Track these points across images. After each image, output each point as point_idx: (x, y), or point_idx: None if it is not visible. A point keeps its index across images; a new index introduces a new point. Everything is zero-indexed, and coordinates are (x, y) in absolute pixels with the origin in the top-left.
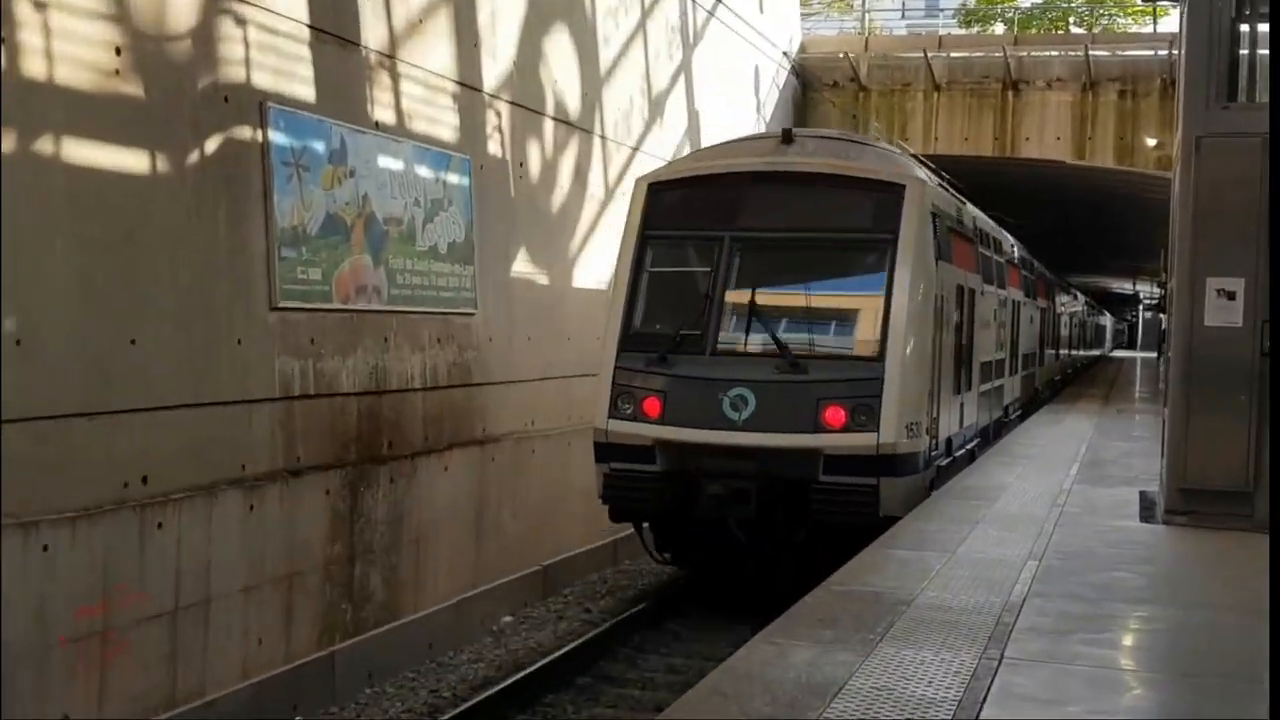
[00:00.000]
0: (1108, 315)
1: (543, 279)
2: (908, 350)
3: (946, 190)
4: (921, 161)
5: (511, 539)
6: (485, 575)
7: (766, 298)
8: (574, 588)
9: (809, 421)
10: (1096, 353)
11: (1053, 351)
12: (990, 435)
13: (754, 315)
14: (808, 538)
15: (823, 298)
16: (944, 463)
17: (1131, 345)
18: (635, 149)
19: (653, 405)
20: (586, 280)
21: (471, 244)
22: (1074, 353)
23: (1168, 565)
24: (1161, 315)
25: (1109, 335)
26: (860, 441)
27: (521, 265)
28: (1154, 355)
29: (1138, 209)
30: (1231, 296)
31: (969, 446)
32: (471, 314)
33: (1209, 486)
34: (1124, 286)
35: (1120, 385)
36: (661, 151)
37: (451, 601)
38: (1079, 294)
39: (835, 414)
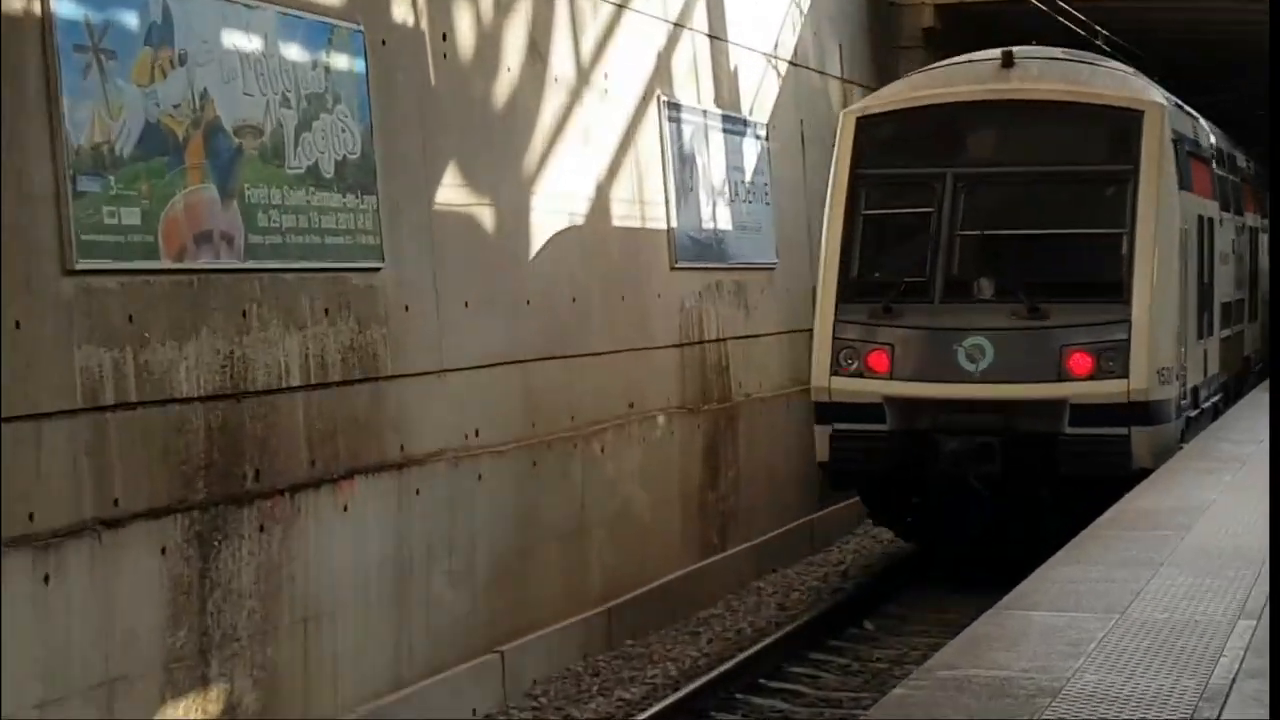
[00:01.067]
0: None
1: (486, 214)
2: (1155, 290)
3: (1183, 110)
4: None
5: (452, 614)
6: (412, 670)
7: (997, 239)
8: (549, 685)
9: (1052, 370)
10: None
11: (1249, 300)
12: (1231, 393)
13: (985, 259)
14: (1052, 497)
15: (1059, 236)
16: (1193, 414)
17: None
18: (620, 5)
19: (879, 359)
20: (554, 213)
21: (372, 163)
22: None
23: None
24: None
25: None
26: (1109, 389)
27: (452, 193)
28: None
29: None
30: None
31: (1214, 400)
32: (376, 269)
33: None
34: None
35: None
36: (662, 10)
37: (360, 715)
38: None
39: (1081, 361)
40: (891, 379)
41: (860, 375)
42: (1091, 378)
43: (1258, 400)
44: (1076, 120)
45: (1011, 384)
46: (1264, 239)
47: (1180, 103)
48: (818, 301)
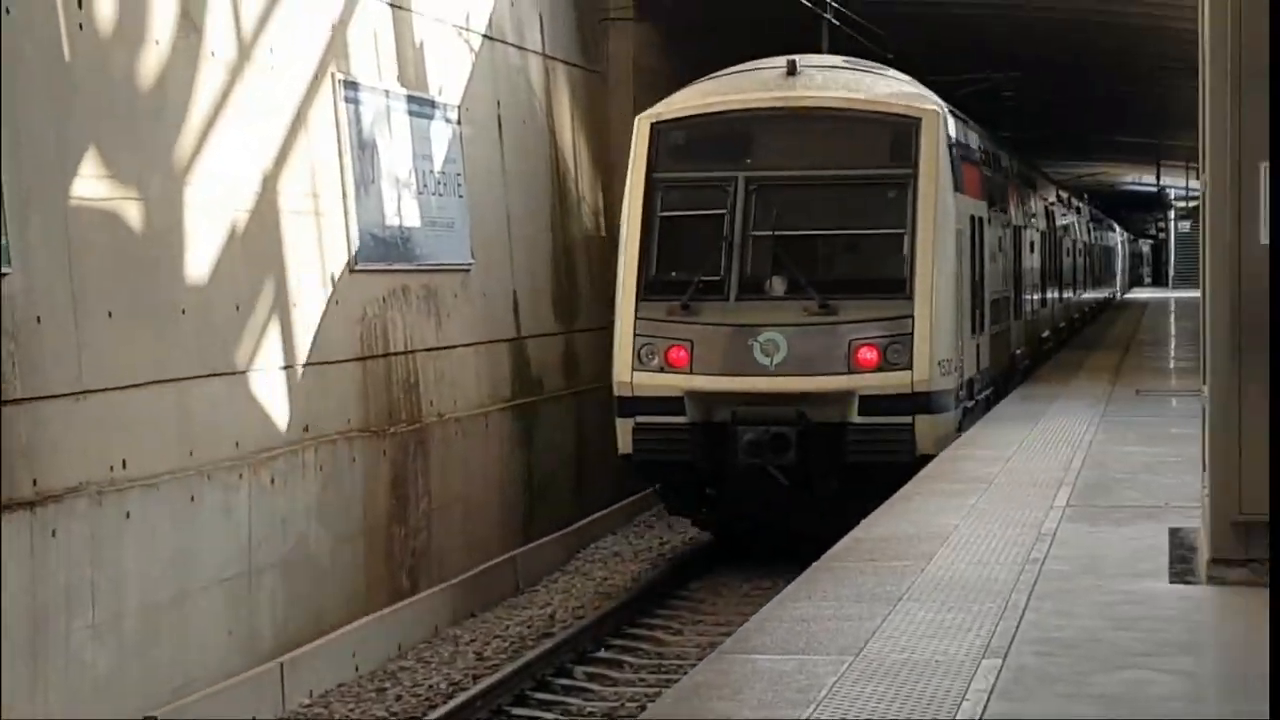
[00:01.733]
0: (1118, 232)
1: (132, 209)
2: (936, 286)
3: (955, 115)
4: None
5: (95, 673)
6: None
7: (788, 239)
8: None
9: (842, 363)
10: (1103, 294)
11: (1037, 296)
12: (1000, 389)
13: (777, 258)
14: (841, 486)
15: (846, 237)
16: (969, 404)
17: (1159, 279)
18: None
19: (679, 355)
20: (212, 208)
21: None
22: (1069, 296)
23: (1220, 656)
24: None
25: (1122, 264)
26: (894, 380)
27: (92, 185)
28: (1196, 295)
29: (1159, 49)
30: None
31: (986, 393)
32: (1, 275)
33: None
34: (1144, 181)
35: (1141, 349)
36: None
37: None
38: (1074, 200)
39: (868, 354)
40: (691, 373)
41: (661, 370)
42: (878, 370)
43: (1017, 404)
44: (859, 127)
45: (804, 376)
46: (1026, 236)
47: (953, 108)
48: (618, 299)
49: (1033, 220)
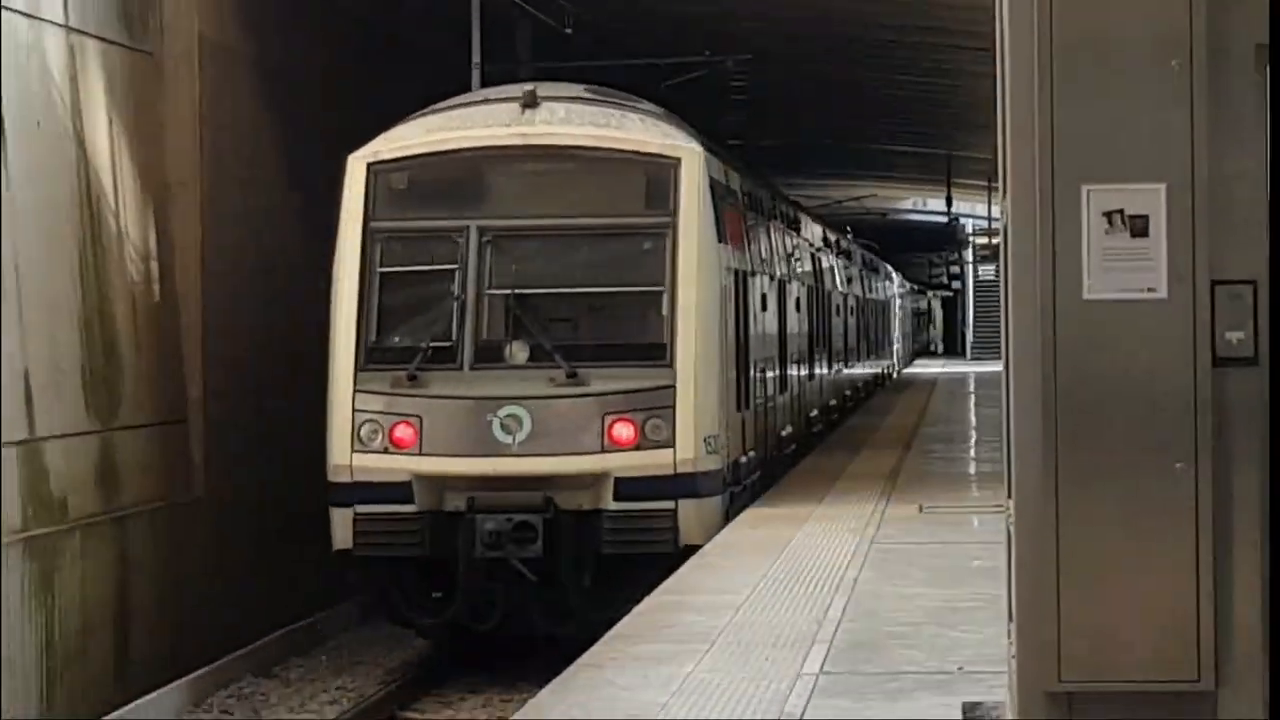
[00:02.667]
0: (894, 281)
1: None
2: (699, 351)
3: (716, 154)
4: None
5: None
6: None
7: (530, 298)
8: None
9: (595, 440)
10: (872, 370)
11: (804, 366)
12: (766, 477)
13: (518, 320)
14: (595, 579)
15: (596, 295)
16: (736, 489)
17: (954, 346)
18: None
19: (406, 433)
20: None
21: None
22: (837, 369)
23: None
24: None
25: (900, 326)
26: (654, 460)
27: None
28: (1000, 369)
29: (946, 25)
30: (1141, 228)
31: (752, 479)
32: None
33: (1109, 681)
34: (930, 208)
35: (927, 448)
36: None
37: None
38: (843, 242)
39: (625, 430)
40: (420, 454)
41: (385, 451)
42: (637, 448)
43: (757, 524)
44: (608, 168)
45: (552, 456)
46: (791, 292)
47: (714, 146)
48: (331, 369)
49: (798, 271)
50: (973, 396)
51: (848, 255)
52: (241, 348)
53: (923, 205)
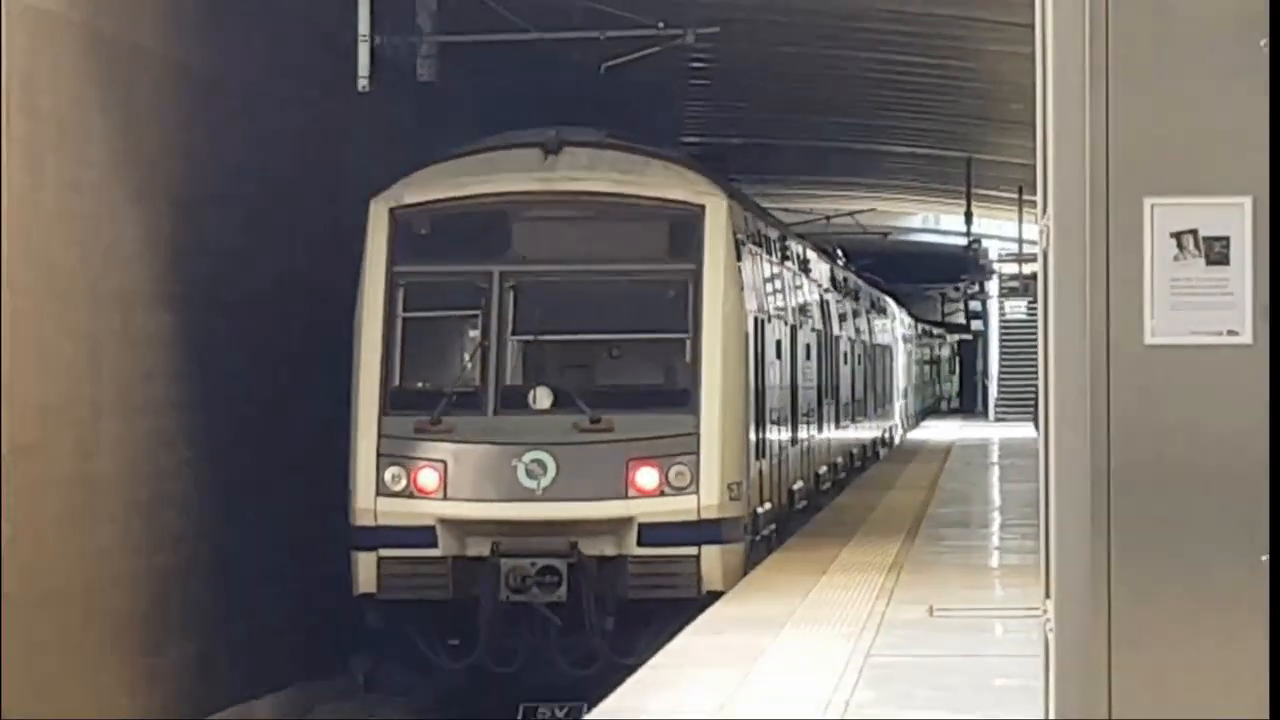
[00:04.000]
0: (897, 320)
1: None
2: (724, 397)
3: (739, 201)
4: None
5: None
6: None
7: (554, 344)
8: None
9: (619, 486)
10: (869, 434)
11: (814, 419)
12: (781, 530)
13: (542, 365)
14: (618, 624)
15: (620, 342)
16: (755, 538)
17: (973, 403)
18: None
19: (430, 478)
20: None
21: None
22: (832, 430)
23: None
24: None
25: (905, 378)
26: (679, 506)
27: None
28: (1034, 435)
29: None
30: (1219, 254)
31: (770, 531)
32: None
33: None
34: (944, 227)
35: (938, 531)
36: None
37: None
38: (850, 279)
39: (649, 475)
40: (445, 499)
41: (410, 495)
42: (661, 494)
43: (722, 629)
44: (634, 216)
45: (576, 502)
46: (802, 339)
47: (736, 191)
48: (356, 414)
49: (807, 315)
50: (996, 468)
51: (855, 294)
52: (58, 393)
53: (935, 223)
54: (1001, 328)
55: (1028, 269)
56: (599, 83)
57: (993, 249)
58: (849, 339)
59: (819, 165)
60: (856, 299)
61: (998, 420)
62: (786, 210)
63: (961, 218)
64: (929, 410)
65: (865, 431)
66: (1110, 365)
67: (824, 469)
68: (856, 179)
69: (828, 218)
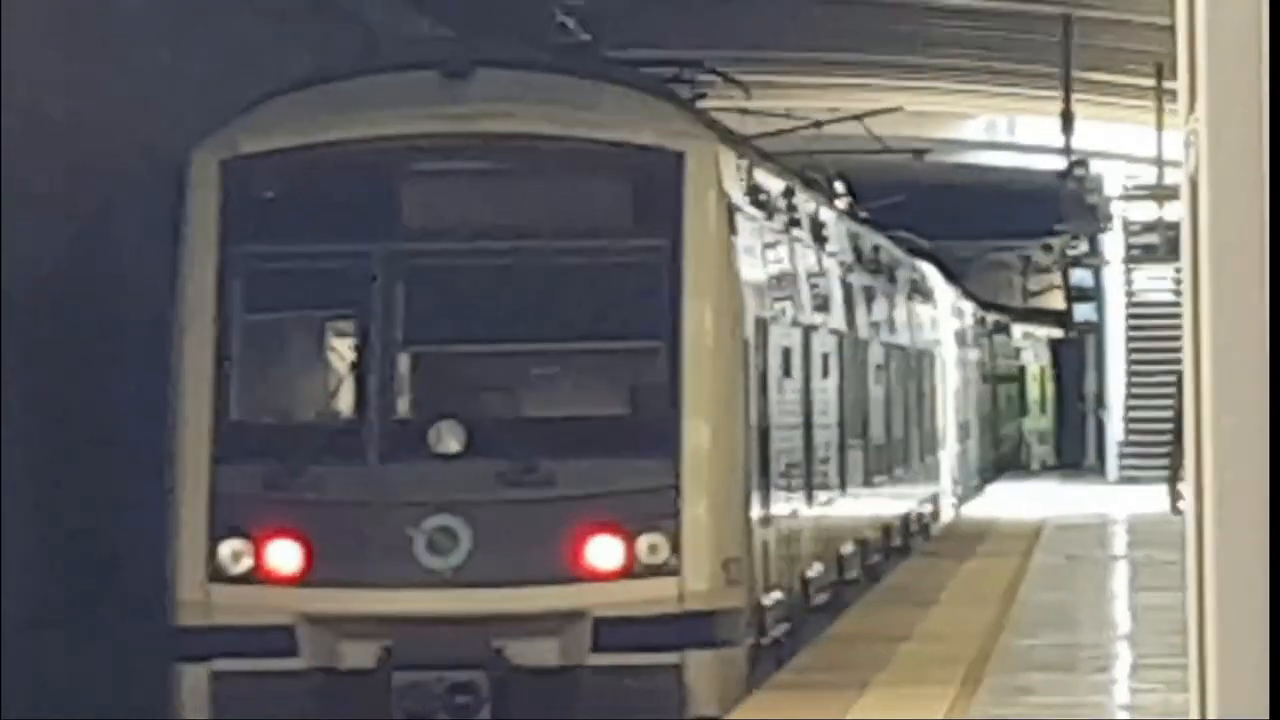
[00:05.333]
0: (944, 303)
1: None
2: (716, 435)
3: (740, 146)
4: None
5: None
6: None
7: (465, 359)
8: None
9: (563, 564)
10: (887, 511)
11: (832, 465)
12: (796, 633)
13: (448, 390)
14: None
15: (562, 355)
16: (773, 635)
17: (1078, 449)
18: None
19: (290, 552)
20: None
21: None
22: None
23: None
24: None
25: (954, 408)
26: (653, 592)
27: None
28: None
29: None
30: None
31: (782, 630)
32: None
33: None
34: (1019, 138)
35: (1025, 677)
36: None
37: None
38: (882, 248)
39: (608, 548)
40: (309, 585)
41: (255, 580)
42: (628, 575)
43: None
44: (580, 169)
45: (501, 588)
46: (817, 345)
47: (735, 133)
48: (177, 461)
49: (826, 311)
50: (1123, 563)
51: (870, 260)
52: None
53: (1007, 133)
54: (1130, 317)
55: (1176, 213)
56: None
57: (1112, 177)
58: (878, 343)
59: (803, 31)
60: (876, 269)
61: (1124, 480)
62: (746, 113)
63: (1056, 122)
64: (1002, 464)
65: (885, 505)
66: None
67: (850, 548)
68: (870, 55)
69: (818, 123)
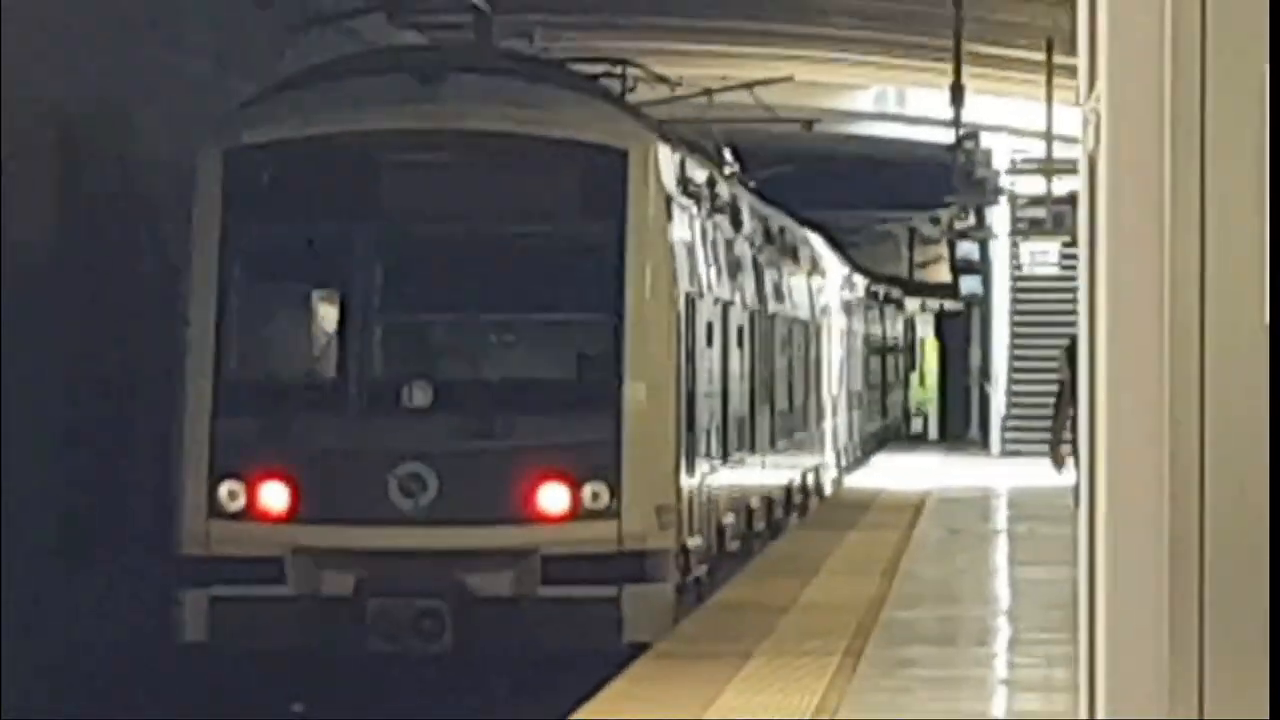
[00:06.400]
0: (829, 272)
1: None
2: (653, 396)
3: (676, 144)
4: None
5: None
6: None
7: (434, 326)
8: None
9: (518, 506)
10: (777, 477)
11: (723, 430)
12: (714, 574)
13: (419, 353)
14: (517, 684)
15: (519, 324)
16: (695, 574)
17: (961, 422)
18: None
19: (279, 493)
20: None
21: None
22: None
23: None
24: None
25: (839, 376)
26: (594, 533)
27: None
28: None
29: None
30: None
31: (701, 573)
32: None
33: None
34: (910, 109)
35: (904, 648)
36: None
37: None
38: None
39: (556, 494)
40: (296, 522)
41: (250, 517)
42: (573, 518)
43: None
44: (539, 163)
45: (464, 526)
46: (733, 318)
47: (666, 128)
48: (184, 410)
49: (738, 285)
50: (1004, 539)
51: (764, 232)
52: None
53: (898, 104)
54: (1015, 290)
55: (1062, 187)
56: None
57: (1000, 151)
58: (780, 317)
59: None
60: (778, 247)
61: (1006, 453)
62: (637, 84)
63: (945, 94)
64: (885, 435)
65: (776, 471)
66: (1206, 356)
67: (756, 502)
68: (761, 24)
69: (708, 91)
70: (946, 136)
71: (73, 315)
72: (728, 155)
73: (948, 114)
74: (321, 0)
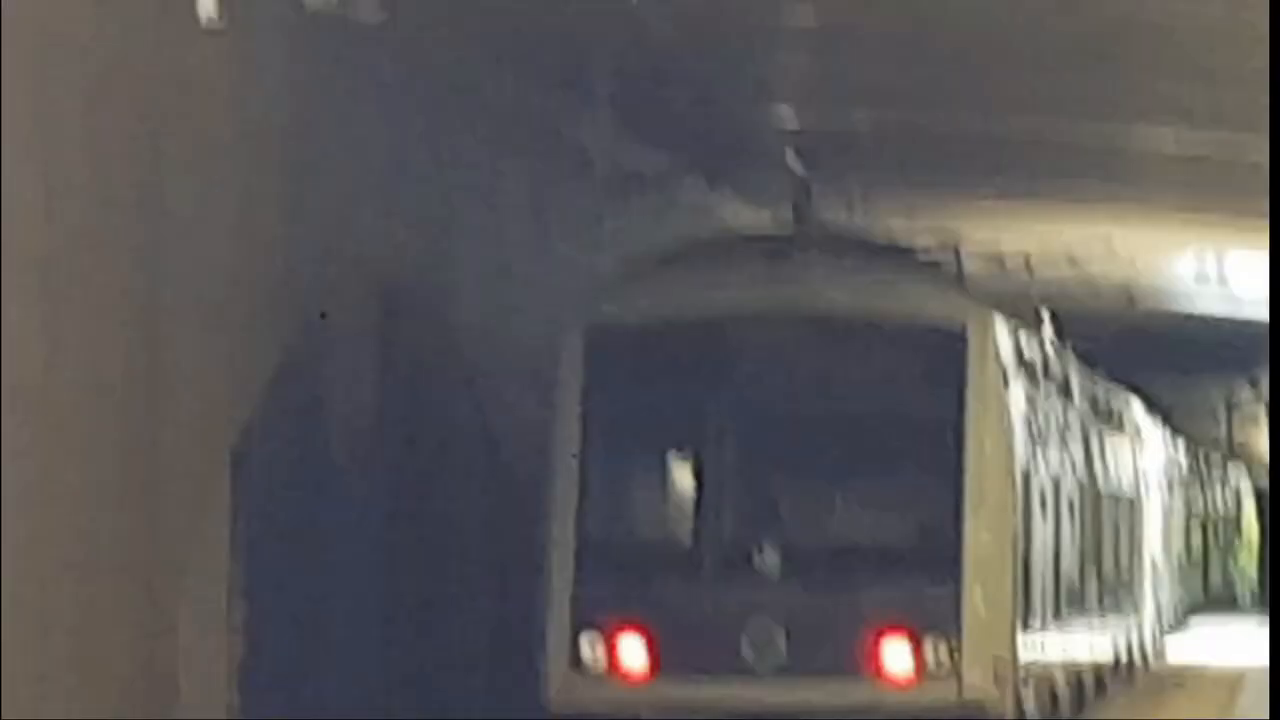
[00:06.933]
0: (1149, 440)
1: None
2: (991, 558)
3: (1011, 318)
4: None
5: None
6: None
7: (784, 493)
8: None
9: (863, 665)
10: (1094, 650)
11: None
12: None
13: (768, 518)
14: None
15: (867, 488)
16: None
17: None
18: None
19: (636, 649)
20: None
21: None
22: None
23: None
24: None
25: (1159, 552)
26: (935, 693)
27: None
28: None
29: None
30: None
31: None
32: None
33: None
34: (1227, 276)
35: None
36: None
37: None
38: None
39: (899, 653)
40: (658, 680)
41: (609, 675)
42: (917, 678)
43: None
44: (878, 339)
45: (811, 686)
46: (1069, 491)
47: (1003, 301)
48: (547, 571)
49: (1069, 458)
50: None
51: (1088, 395)
52: None
53: (1216, 274)
54: None
55: None
56: (630, 22)
57: None
58: (1097, 478)
59: (1010, 162)
60: (1092, 407)
61: None
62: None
63: (1264, 259)
64: (1206, 603)
65: (1108, 632)
66: None
67: (1084, 663)
68: (1071, 179)
69: (1028, 260)
70: (1260, 304)
71: (394, 482)
72: (1046, 319)
73: (1262, 283)
74: (640, 161)
